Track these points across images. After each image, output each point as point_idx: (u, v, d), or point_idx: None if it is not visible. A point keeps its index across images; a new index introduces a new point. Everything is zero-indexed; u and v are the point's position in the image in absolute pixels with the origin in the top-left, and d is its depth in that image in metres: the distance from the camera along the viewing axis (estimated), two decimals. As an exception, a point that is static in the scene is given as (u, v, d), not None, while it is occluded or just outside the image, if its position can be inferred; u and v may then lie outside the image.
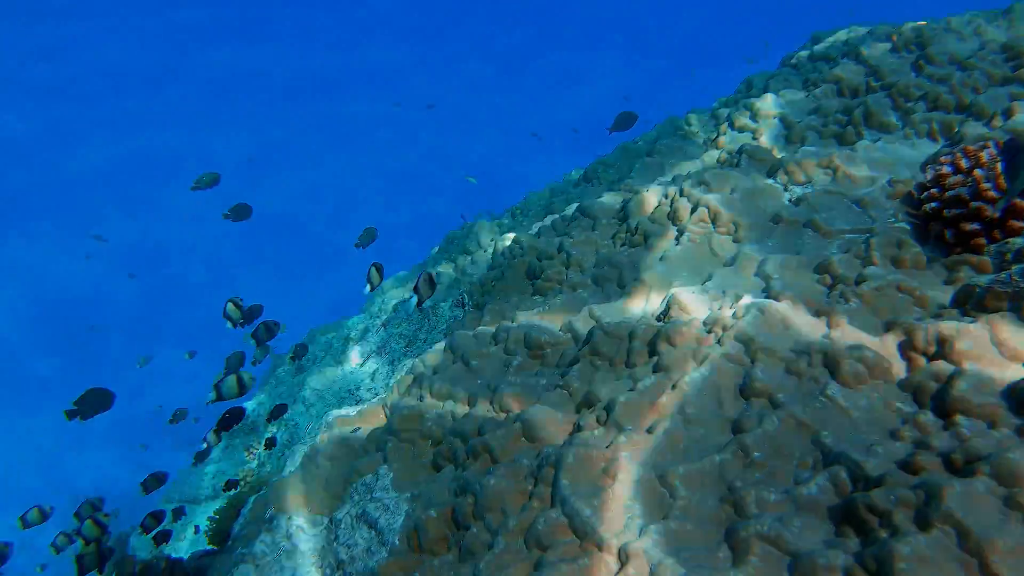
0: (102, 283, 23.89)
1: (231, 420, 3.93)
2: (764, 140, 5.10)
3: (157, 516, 4.50)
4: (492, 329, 4.30)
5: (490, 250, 6.26)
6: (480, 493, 3.00)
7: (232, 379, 3.40)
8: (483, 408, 3.70)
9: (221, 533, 4.67)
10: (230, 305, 4.48)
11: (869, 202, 3.82)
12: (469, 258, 6.15)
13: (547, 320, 4.18)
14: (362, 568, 3.40)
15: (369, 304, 7.41)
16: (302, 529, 3.94)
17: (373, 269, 4.52)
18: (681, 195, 4.42)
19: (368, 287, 4.47)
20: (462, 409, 3.80)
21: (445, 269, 6.36)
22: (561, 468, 2.84)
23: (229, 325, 4.52)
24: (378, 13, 37.37)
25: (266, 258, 25.07)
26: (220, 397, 3.50)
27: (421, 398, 4.03)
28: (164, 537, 4.79)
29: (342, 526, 3.67)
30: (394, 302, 6.70)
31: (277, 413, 6.17)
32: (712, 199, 4.13)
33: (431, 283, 4.02)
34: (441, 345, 4.40)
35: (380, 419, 4.38)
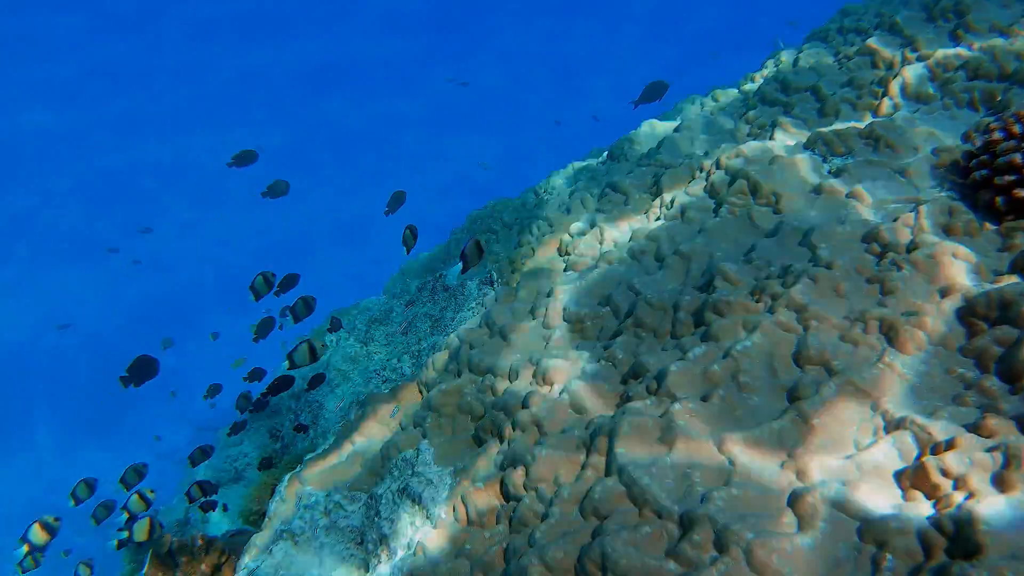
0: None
1: (280, 387, 3.90)
2: (796, 113, 5.03)
3: (203, 487, 4.47)
4: (529, 305, 4.26)
5: (514, 228, 6.23)
6: (531, 464, 2.97)
7: (304, 347, 3.36)
8: (525, 382, 3.67)
9: (254, 512, 4.66)
10: (259, 278, 4.43)
11: (913, 172, 3.77)
12: (494, 236, 6.12)
13: (584, 293, 4.14)
14: (406, 542, 3.38)
15: (391, 284, 7.38)
16: (340, 505, 3.92)
17: (408, 231, 4.46)
18: (717, 167, 4.36)
19: (405, 249, 4.42)
20: (502, 383, 3.76)
21: (470, 248, 6.30)
22: (616, 437, 2.80)
23: (252, 298, 4.46)
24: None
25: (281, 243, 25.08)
26: (293, 365, 3.47)
27: (459, 373, 4.00)
28: (210, 506, 4.76)
29: (383, 501, 3.65)
30: (417, 282, 6.67)
31: (316, 383, 6.15)
32: (752, 171, 4.08)
33: (479, 249, 3.97)
34: (476, 321, 4.36)
35: (415, 396, 4.36)
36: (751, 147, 4.30)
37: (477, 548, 2.95)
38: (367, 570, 3.60)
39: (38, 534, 4.04)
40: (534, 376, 3.64)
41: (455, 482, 3.45)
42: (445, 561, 3.00)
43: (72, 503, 4.78)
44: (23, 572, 4.75)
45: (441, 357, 4.22)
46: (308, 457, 4.48)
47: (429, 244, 7.65)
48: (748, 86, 6.02)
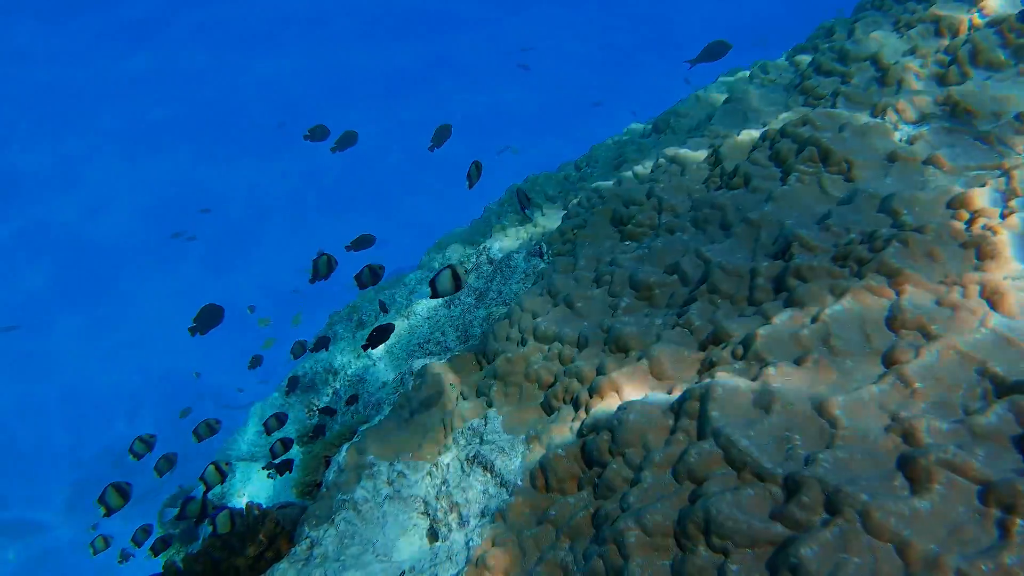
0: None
1: (382, 335, 3.83)
2: (856, 83, 4.93)
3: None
4: (591, 273, 4.20)
5: (558, 201, 6.15)
6: (618, 429, 2.91)
7: (448, 273, 3.28)
8: (595, 349, 3.61)
9: (307, 484, 4.62)
10: (324, 258, 4.36)
11: (995, 137, 3.68)
12: (539, 209, 6.03)
13: (648, 262, 4.07)
14: (479, 510, 3.33)
15: (428, 260, 7.31)
16: (403, 475, 3.88)
17: (473, 167, 4.36)
18: (783, 136, 4.28)
19: (468, 183, 4.34)
20: (570, 351, 3.71)
21: (511, 222, 6.24)
22: (709, 401, 2.74)
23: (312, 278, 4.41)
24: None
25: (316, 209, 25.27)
26: (436, 294, 3.40)
27: (523, 342, 3.94)
28: (286, 466, 4.71)
29: (450, 470, 3.61)
30: (457, 256, 6.60)
31: (320, 345, 6.10)
32: (823, 137, 3.99)
33: (527, 199, 3.86)
34: (536, 290, 4.30)
35: (473, 366, 4.30)
36: (819, 114, 4.20)
37: (562, 514, 2.91)
38: (436, 538, 3.56)
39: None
40: (606, 343, 3.58)
41: (528, 449, 3.40)
42: (528, 527, 2.96)
43: (133, 458, 4.79)
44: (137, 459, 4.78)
45: (502, 327, 4.16)
46: (364, 428, 4.44)
47: (464, 220, 7.59)
48: (800, 58, 5.91)
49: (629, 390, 3.17)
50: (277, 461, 4.63)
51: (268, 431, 4.78)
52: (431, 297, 3.62)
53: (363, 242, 5.09)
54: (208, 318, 4.45)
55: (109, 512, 4.19)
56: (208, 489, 4.15)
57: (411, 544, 3.77)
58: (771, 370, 2.77)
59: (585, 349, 3.63)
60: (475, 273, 5.91)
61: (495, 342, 4.15)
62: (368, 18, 36.06)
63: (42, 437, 18.85)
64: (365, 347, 3.84)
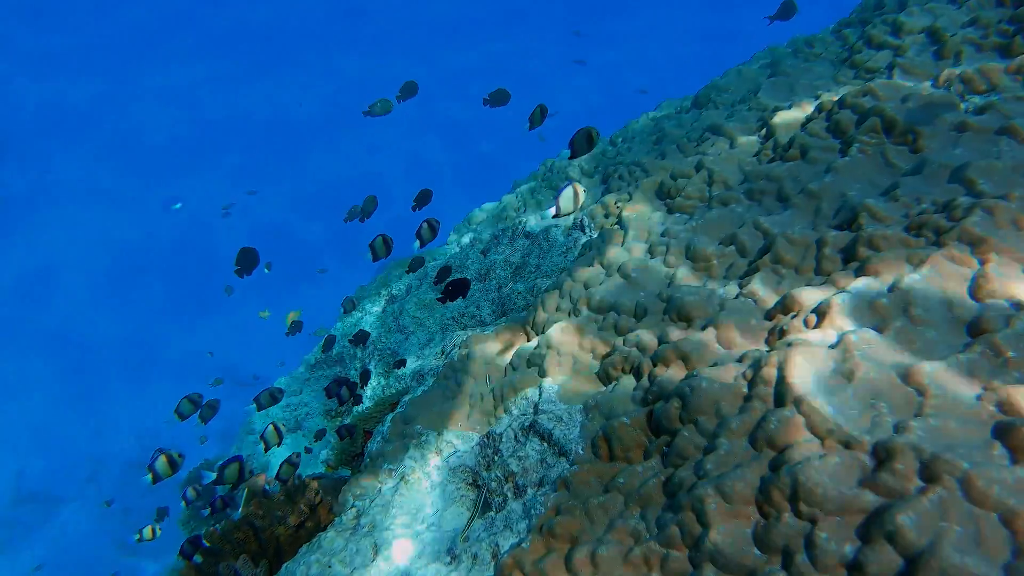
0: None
1: (460, 287, 3.75)
2: (910, 56, 4.82)
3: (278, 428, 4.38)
4: (643, 244, 4.11)
5: (596, 176, 6.05)
6: (690, 396, 2.84)
7: (570, 190, 3.20)
8: (654, 318, 3.53)
9: (348, 454, 4.56)
10: (379, 239, 4.29)
11: (1069, 107, 3.57)
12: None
13: (703, 233, 3.98)
14: (538, 479, 3.27)
15: (457, 236, 7.23)
16: (452, 444, 3.81)
17: (538, 110, 4.25)
18: (842, 107, 4.17)
19: (528, 125, 4.25)
20: (627, 320, 3.63)
21: (547, 197, 6.15)
22: (788, 367, 2.66)
23: (369, 257, 4.34)
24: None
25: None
26: (558, 214, 3.33)
27: (577, 312, 3.86)
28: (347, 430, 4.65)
29: (504, 440, 3.54)
30: (489, 231, 6.51)
31: (362, 337, 6.05)
32: (887, 108, 3.88)
33: (589, 138, 3.77)
34: (586, 261, 4.22)
35: (520, 337, 4.23)
36: (881, 85, 4.10)
37: (631, 481, 2.84)
38: (488, 508, 3.50)
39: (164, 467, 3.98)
40: (666, 313, 3.50)
41: (587, 419, 3.33)
42: (594, 495, 2.88)
43: (178, 419, 4.75)
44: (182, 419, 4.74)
45: (551, 297, 4.08)
46: (407, 399, 4.38)
47: (495, 196, 7.49)
48: (847, 31, 5.78)
49: (696, 359, 3.09)
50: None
51: (260, 407, 4.73)
52: (554, 217, 3.52)
53: (424, 198, 5.04)
54: (247, 260, 4.43)
55: (156, 479, 4.15)
56: (267, 448, 4.10)
57: (460, 513, 3.72)
58: (852, 337, 2.69)
59: (644, 319, 3.55)
60: (510, 247, 5.82)
61: (545, 312, 4.07)
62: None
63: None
64: (442, 300, 3.76)
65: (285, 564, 3.75)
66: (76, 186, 27.16)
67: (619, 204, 4.97)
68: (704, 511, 2.47)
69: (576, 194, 3.22)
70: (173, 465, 4.09)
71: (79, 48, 32.49)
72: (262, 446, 4.02)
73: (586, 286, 3.97)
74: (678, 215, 4.45)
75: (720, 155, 4.64)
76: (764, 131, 4.67)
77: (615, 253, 4.03)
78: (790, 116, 4.56)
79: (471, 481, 3.75)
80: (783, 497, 2.36)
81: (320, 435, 5.81)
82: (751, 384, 2.79)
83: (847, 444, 2.42)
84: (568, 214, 3.35)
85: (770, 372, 2.73)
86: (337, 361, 7.12)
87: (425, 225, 4.09)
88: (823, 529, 2.25)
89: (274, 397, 4.74)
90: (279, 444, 4.15)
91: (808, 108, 4.56)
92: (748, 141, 4.70)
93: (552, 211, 3.37)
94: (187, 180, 27.54)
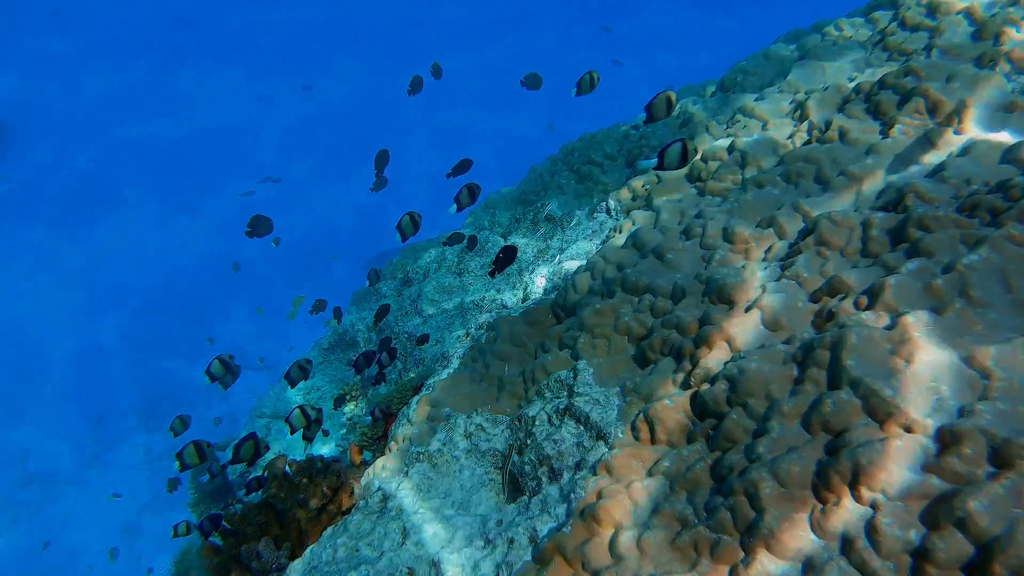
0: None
1: (508, 256, 3.68)
2: (947, 38, 4.71)
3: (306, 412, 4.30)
4: (677, 225, 4.02)
5: (619, 159, 5.95)
6: (739, 378, 2.75)
7: (678, 146, 3.10)
8: (693, 299, 3.44)
9: (369, 437, 4.49)
10: (406, 218, 4.22)
11: (1122, 88, 3.47)
12: (599, 168, 5.84)
13: (739, 215, 3.89)
14: (574, 462, 3.18)
15: (474, 220, 7.13)
16: (482, 428, 3.73)
17: (587, 76, 4.13)
18: (883, 87, 4.07)
19: (575, 91, 4.13)
20: (664, 302, 3.54)
21: (567, 179, 6.06)
22: (843, 349, 2.57)
23: (399, 238, 4.27)
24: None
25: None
26: (661, 166, 3.24)
27: (609, 294, 3.77)
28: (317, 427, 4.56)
29: (537, 423, 3.45)
30: (508, 215, 6.42)
31: (381, 314, 5.97)
32: (931, 88, 3.78)
33: (684, 152, 3.68)
34: (619, 241, 4.12)
35: (549, 318, 4.14)
36: (924, 65, 3.99)
37: (676, 465, 2.75)
38: (519, 491, 3.42)
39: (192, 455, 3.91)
40: (705, 295, 3.41)
41: (624, 401, 3.25)
42: (637, 479, 2.80)
43: (208, 380, 4.70)
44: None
45: (583, 279, 3.99)
46: (432, 381, 4.30)
47: (511, 180, 7.39)
48: (878, 14, 5.67)
49: (741, 341, 3.00)
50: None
51: (292, 383, 4.64)
52: (656, 168, 3.43)
53: (462, 167, 4.97)
54: (260, 225, 4.38)
55: (184, 468, 4.09)
56: (293, 431, 4.02)
57: (489, 498, 3.64)
58: (909, 319, 2.60)
59: (682, 300, 3.45)
60: (533, 230, 5.73)
61: (576, 294, 3.99)
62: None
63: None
64: (492, 272, 3.67)
65: (309, 547, 3.68)
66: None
67: (647, 186, 4.87)
68: (758, 495, 2.38)
69: (684, 151, 3.15)
70: (228, 368, 4.05)
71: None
72: (287, 428, 3.94)
73: (619, 267, 3.88)
74: (710, 198, 4.35)
75: (753, 137, 4.54)
76: (798, 113, 4.57)
77: (649, 234, 3.94)
78: (824, 98, 4.45)
79: (501, 465, 3.67)
80: (842, 481, 2.28)
81: (338, 402, 5.74)
82: (802, 366, 2.71)
83: (908, 428, 2.33)
84: (672, 168, 3.26)
85: (823, 354, 2.65)
86: (351, 345, 7.04)
87: (407, 218, 4.03)
88: (886, 515, 2.17)
89: (304, 370, 4.65)
90: (307, 427, 4.07)
91: (844, 90, 4.46)
92: (781, 123, 4.60)
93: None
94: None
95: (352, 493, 4.29)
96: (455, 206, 3.92)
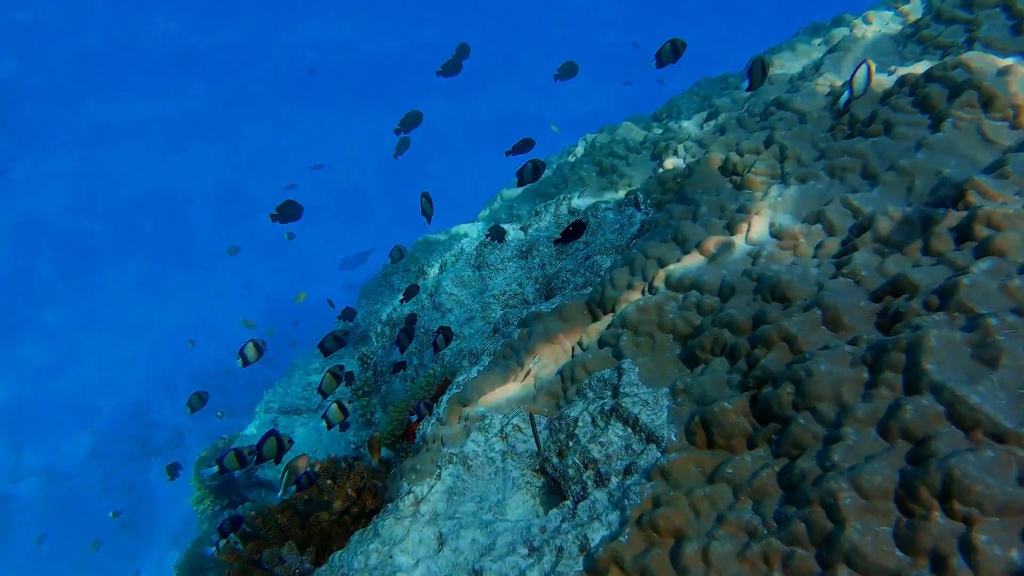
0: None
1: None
2: (985, 31, 4.59)
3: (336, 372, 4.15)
4: (719, 219, 3.88)
5: (644, 153, 5.80)
6: (806, 381, 2.62)
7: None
8: (744, 297, 3.31)
9: (395, 437, 4.34)
10: (424, 200, 4.14)
11: None
12: (623, 161, 5.69)
13: (783, 210, 3.76)
14: (623, 466, 3.05)
15: (489, 213, 6.97)
16: (519, 428, 3.59)
17: (668, 45, 4.00)
18: (930, 80, 3.94)
19: (656, 63, 3.98)
20: (712, 300, 3.40)
21: (588, 173, 5.90)
22: (922, 352, 2.45)
23: (427, 221, 4.18)
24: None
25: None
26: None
27: (653, 290, 3.64)
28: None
29: (580, 424, 3.31)
30: (527, 208, 6.27)
31: (410, 294, 5.80)
32: (984, 81, 3.66)
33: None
34: (659, 236, 3.99)
35: (584, 315, 4.00)
36: (975, 57, 3.87)
37: (740, 472, 2.62)
38: (561, 496, 3.28)
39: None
40: (757, 292, 3.27)
41: (675, 403, 3.11)
42: (698, 486, 2.67)
43: (241, 364, 4.61)
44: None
45: (621, 274, 3.85)
46: (462, 379, 4.15)
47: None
48: (907, 7, 5.55)
49: (803, 340, 2.87)
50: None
51: (325, 352, 4.51)
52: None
53: (524, 146, 4.89)
54: (289, 211, 4.32)
55: (246, 364, 4.05)
56: (330, 427, 3.87)
57: (526, 501, 3.50)
58: (992, 321, 2.47)
59: (732, 298, 3.32)
60: (555, 223, 5.57)
61: (614, 290, 3.84)
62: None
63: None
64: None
65: (337, 553, 3.53)
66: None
67: (677, 180, 4.73)
68: (837, 506, 2.25)
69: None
70: (337, 379, 3.96)
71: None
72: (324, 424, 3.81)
73: (661, 263, 3.75)
74: (747, 192, 4.22)
75: (791, 130, 4.41)
76: (836, 105, 4.44)
77: (691, 230, 3.80)
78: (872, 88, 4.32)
79: (538, 467, 3.53)
80: (931, 494, 2.15)
81: (349, 378, 5.61)
82: (873, 369, 2.58)
83: (999, 438, 2.21)
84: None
85: (897, 357, 2.52)
86: (362, 339, 6.87)
87: (529, 164, 3.93)
88: (982, 531, 2.04)
89: (339, 340, 4.50)
90: (344, 418, 3.93)
91: (886, 83, 4.33)
92: (820, 116, 4.47)
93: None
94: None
95: (375, 494, 4.14)
96: (518, 180, 3.80)
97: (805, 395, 2.61)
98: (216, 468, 4.09)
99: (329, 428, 3.66)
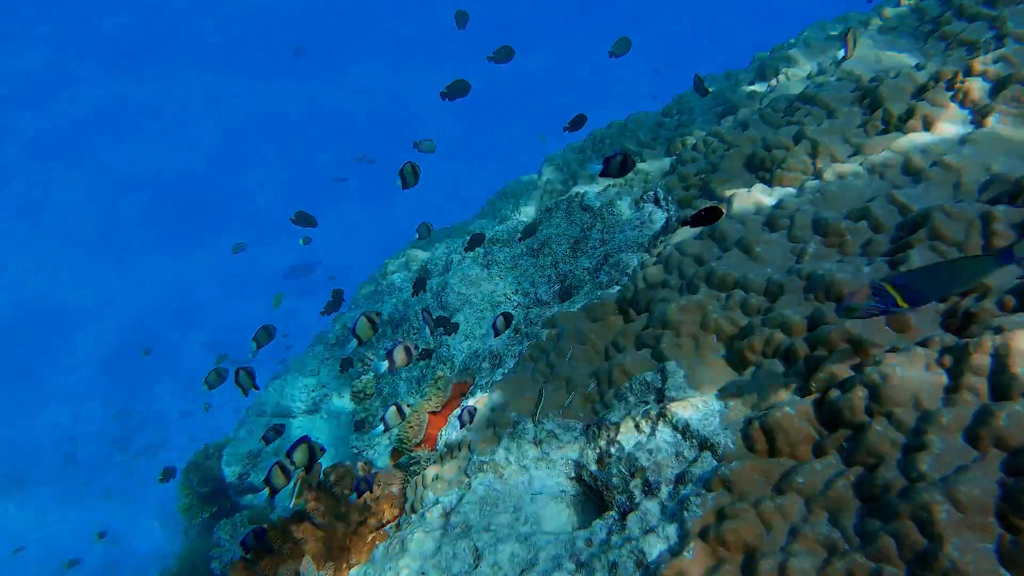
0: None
1: (712, 215, 3.41)
2: (1013, 26, 4.51)
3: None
4: (755, 215, 3.74)
5: (657, 148, 5.65)
6: (881, 385, 2.47)
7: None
8: (793, 296, 3.16)
9: (413, 443, 4.12)
10: (408, 166, 4.13)
11: None
12: (637, 156, 5.53)
13: (823, 207, 3.63)
14: (674, 475, 2.88)
15: (492, 209, 6.77)
16: (554, 435, 3.40)
17: (408, 167, 4.11)
18: (970, 75, 3.84)
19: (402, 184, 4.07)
20: (758, 299, 3.25)
21: (597, 169, 5.72)
22: (1010, 355, 2.31)
23: (399, 184, 4.12)
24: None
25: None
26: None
27: (694, 288, 3.47)
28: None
29: (623, 430, 3.14)
30: (533, 205, 6.08)
31: (420, 285, 5.61)
32: (1031, 74, 3.56)
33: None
34: (688, 234, 3.83)
35: (614, 316, 3.83)
36: (1017, 52, 3.77)
37: (812, 481, 2.46)
38: (607, 507, 3.10)
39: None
40: (808, 291, 3.13)
41: (727, 408, 2.95)
42: (765, 496, 2.51)
43: (253, 351, 4.65)
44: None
45: (655, 272, 3.69)
46: (484, 382, 3.95)
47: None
48: (925, 3, 5.47)
49: (869, 344, 2.72)
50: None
51: (360, 341, 4.40)
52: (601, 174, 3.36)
53: (579, 122, 4.82)
54: (459, 89, 4.26)
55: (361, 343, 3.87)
56: (387, 429, 3.66)
57: (561, 511, 3.32)
58: (1080, 322, 2.35)
59: (781, 297, 3.17)
60: (567, 220, 5.40)
61: (648, 289, 3.68)
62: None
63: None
64: (603, 174, 3.41)
65: (361, 568, 3.32)
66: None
67: (701, 176, 4.59)
68: (932, 520, 2.10)
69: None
70: (374, 325, 3.77)
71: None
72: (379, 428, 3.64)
73: (698, 261, 3.59)
74: (778, 188, 4.08)
75: (821, 126, 4.28)
76: (867, 101, 4.32)
77: (730, 226, 3.65)
78: (897, 85, 4.22)
79: (574, 475, 3.35)
80: (1038, 507, 2.01)
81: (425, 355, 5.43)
82: (953, 373, 2.44)
83: (1105, 446, 2.08)
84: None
85: (981, 360, 2.38)
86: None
87: (408, 166, 3.95)
88: (1097, 547, 1.91)
89: (373, 322, 4.29)
90: (402, 421, 3.73)
91: (917, 78, 4.22)
92: (849, 111, 4.35)
93: None
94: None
95: (392, 503, 3.93)
96: (601, 168, 3.65)
97: (880, 400, 2.47)
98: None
99: (271, 495, 3.47)
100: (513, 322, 4.01)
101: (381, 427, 3.62)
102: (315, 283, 21.32)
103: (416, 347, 3.57)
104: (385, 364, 3.49)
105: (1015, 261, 2.21)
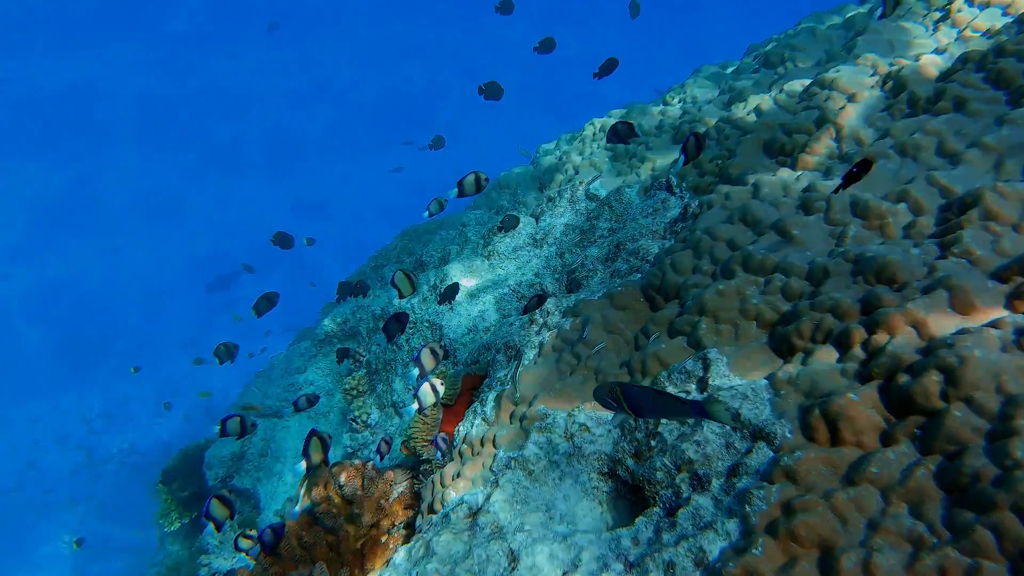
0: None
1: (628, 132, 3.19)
2: (1030, 13, 4.47)
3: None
4: (786, 198, 3.60)
5: (662, 135, 5.49)
6: (958, 368, 2.33)
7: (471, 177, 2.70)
8: (841, 280, 3.01)
9: (425, 441, 3.89)
10: (471, 177, 3.87)
11: None
12: (643, 146, 5.37)
13: (862, 190, 3.50)
14: (726, 467, 2.70)
15: (487, 200, 6.56)
16: (586, 427, 3.21)
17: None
18: (1001, 55, 3.75)
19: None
20: (799, 283, 3.10)
21: (601, 159, 5.57)
22: (1098, 334, 2.19)
23: (454, 193, 3.86)
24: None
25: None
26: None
27: (729, 273, 3.31)
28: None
29: (664, 421, 2.96)
30: (533, 195, 5.88)
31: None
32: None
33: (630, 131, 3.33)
34: (721, 216, 3.67)
35: (639, 302, 3.65)
36: (1048, 31, 3.69)
37: (888, 472, 2.30)
38: (649, 504, 2.91)
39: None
40: (857, 274, 2.98)
41: (777, 396, 2.79)
42: (837, 489, 2.34)
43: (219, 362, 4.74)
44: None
45: (684, 257, 3.52)
46: (502, 374, 3.75)
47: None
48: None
49: (934, 324, 2.58)
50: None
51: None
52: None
53: (609, 66, 4.68)
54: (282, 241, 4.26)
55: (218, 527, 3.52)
56: (420, 408, 3.43)
57: (593, 509, 3.13)
58: None
59: (827, 281, 3.02)
60: (571, 209, 5.22)
61: (677, 275, 3.51)
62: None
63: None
64: (841, 185, 3.21)
65: (380, 574, 3.08)
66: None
67: (717, 162, 4.44)
68: (1034, 510, 1.96)
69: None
70: (411, 279, 3.61)
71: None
72: (395, 293, 3.51)
73: (731, 246, 3.43)
74: (803, 172, 3.95)
75: (842, 108, 4.17)
76: (889, 85, 4.22)
77: (762, 209, 3.50)
78: (920, 69, 4.12)
79: (607, 470, 3.16)
80: None
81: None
82: (1034, 355, 2.31)
83: None
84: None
85: (1064, 340, 2.25)
86: (351, 335, 6.35)
87: (472, 177, 3.72)
88: None
89: (410, 277, 4.11)
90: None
91: (940, 62, 4.14)
92: (870, 95, 4.25)
93: None
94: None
95: (405, 504, 3.70)
96: (683, 157, 3.47)
97: (957, 384, 2.32)
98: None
99: (216, 529, 3.28)
100: (545, 303, 3.80)
101: (413, 407, 3.38)
102: (239, 292, 21.26)
103: (443, 346, 3.35)
104: (415, 371, 3.29)
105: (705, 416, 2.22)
